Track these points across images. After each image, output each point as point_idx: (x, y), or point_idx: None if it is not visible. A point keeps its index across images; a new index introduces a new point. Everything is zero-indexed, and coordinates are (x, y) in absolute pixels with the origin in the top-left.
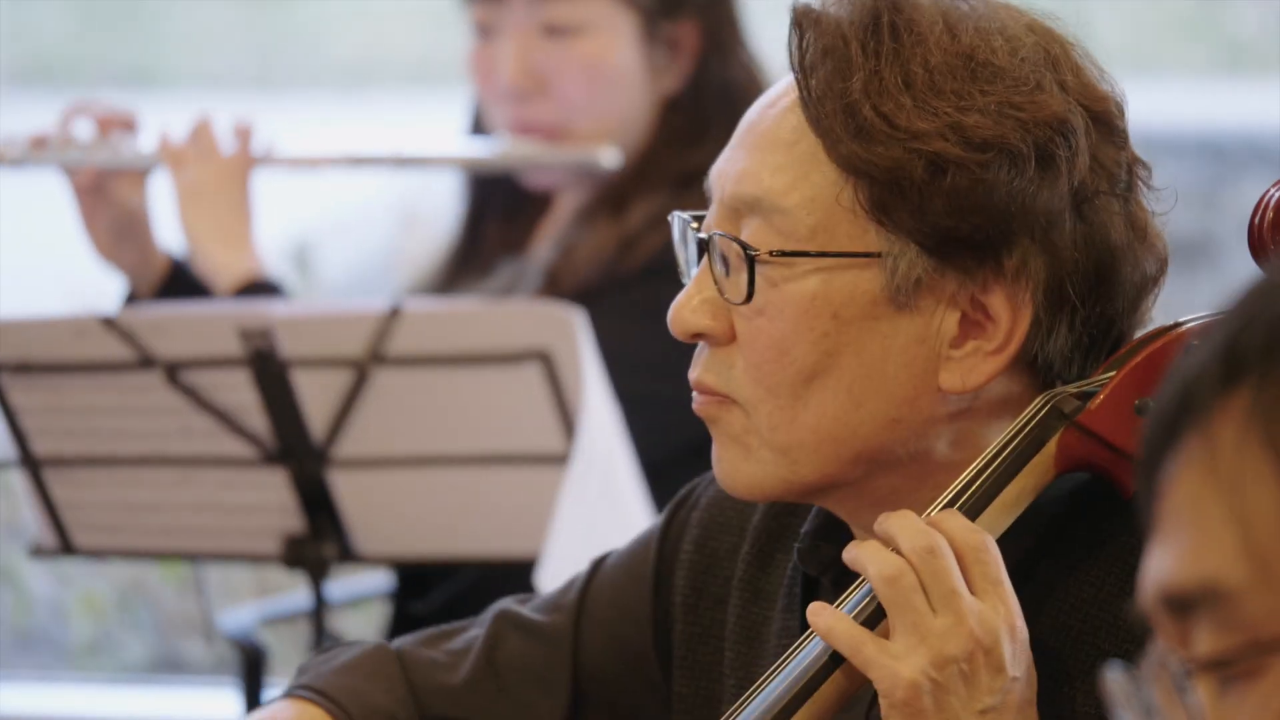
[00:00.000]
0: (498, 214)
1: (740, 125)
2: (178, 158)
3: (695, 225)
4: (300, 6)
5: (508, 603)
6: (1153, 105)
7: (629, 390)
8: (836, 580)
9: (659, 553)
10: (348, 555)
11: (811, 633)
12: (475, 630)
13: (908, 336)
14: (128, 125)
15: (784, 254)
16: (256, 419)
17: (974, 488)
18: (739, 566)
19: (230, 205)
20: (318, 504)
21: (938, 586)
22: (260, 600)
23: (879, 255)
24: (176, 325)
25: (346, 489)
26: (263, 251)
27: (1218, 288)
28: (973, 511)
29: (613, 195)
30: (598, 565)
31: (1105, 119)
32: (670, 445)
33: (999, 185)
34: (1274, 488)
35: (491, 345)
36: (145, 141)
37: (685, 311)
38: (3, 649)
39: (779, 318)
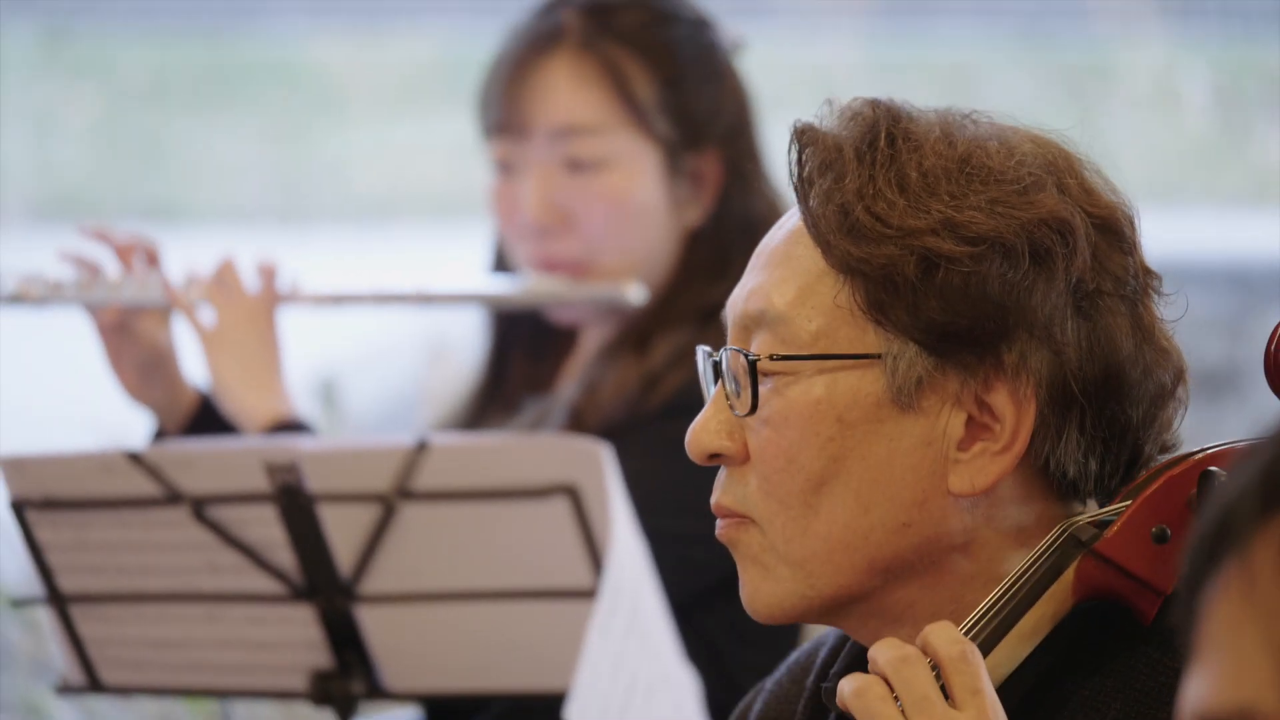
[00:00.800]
0: (522, 350)
1: (755, 251)
2: (203, 299)
3: (713, 354)
4: (323, 142)
5: None
6: (1178, 235)
7: (654, 527)
8: None
9: None
10: (376, 691)
11: None
12: None
13: (913, 439)
14: (150, 256)
15: (783, 358)
16: (283, 554)
17: (991, 616)
18: None
19: (257, 347)
20: (345, 640)
21: (909, 694)
22: None
23: (879, 356)
24: (203, 460)
25: (374, 625)
26: (290, 390)
27: (1244, 417)
28: (990, 640)
29: (636, 331)
30: None
31: (1110, 224)
32: (697, 582)
33: (992, 279)
34: None
35: (518, 480)
36: (169, 279)
37: (700, 433)
38: None
39: (785, 425)
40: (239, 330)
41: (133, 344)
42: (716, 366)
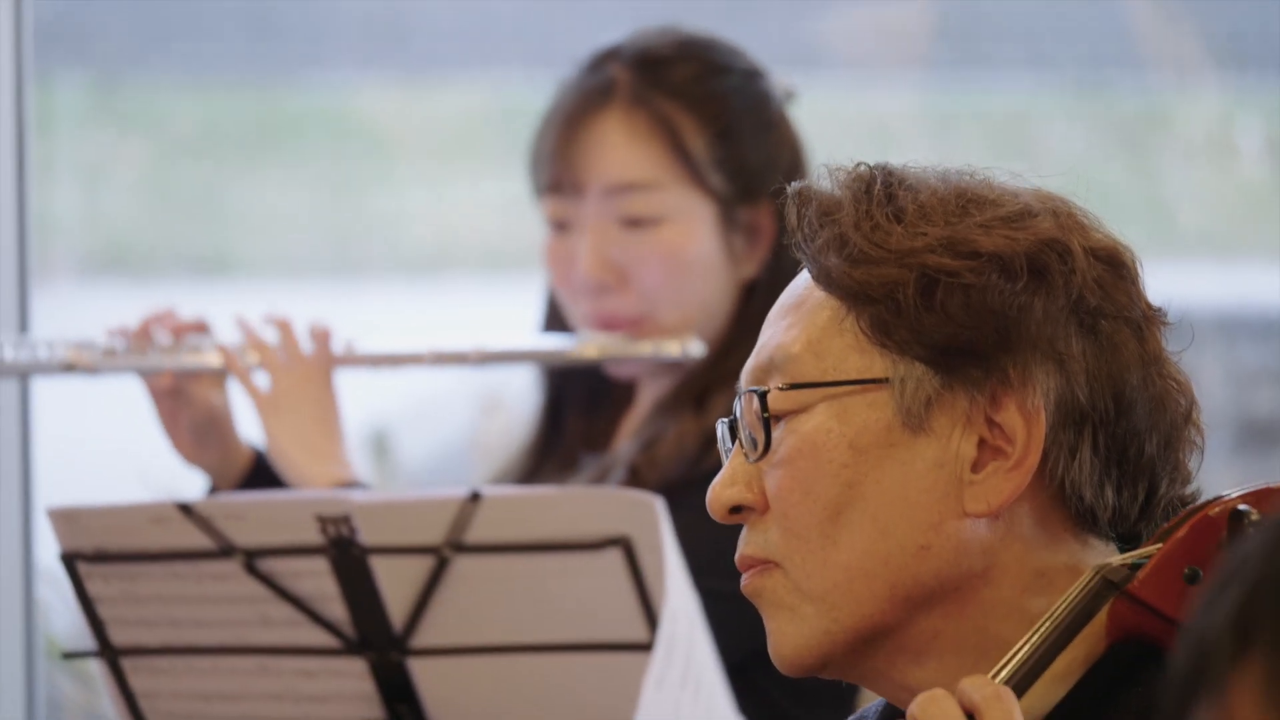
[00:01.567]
0: (578, 406)
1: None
2: (257, 363)
3: (728, 417)
4: (374, 194)
5: None
6: (1233, 287)
7: (709, 587)
8: None
9: None
10: None
11: None
12: None
13: (926, 461)
14: (201, 331)
15: (791, 387)
16: (336, 607)
17: (1024, 659)
18: None
19: (312, 412)
20: (398, 693)
21: None
22: None
23: (886, 380)
24: (254, 512)
25: (427, 678)
26: (348, 453)
27: None
28: (1024, 683)
29: (693, 387)
30: None
31: (1111, 256)
32: (754, 641)
33: (991, 290)
34: None
35: (571, 532)
36: (222, 341)
37: (719, 488)
38: None
39: (799, 459)
40: (294, 395)
41: (187, 407)
42: (733, 426)
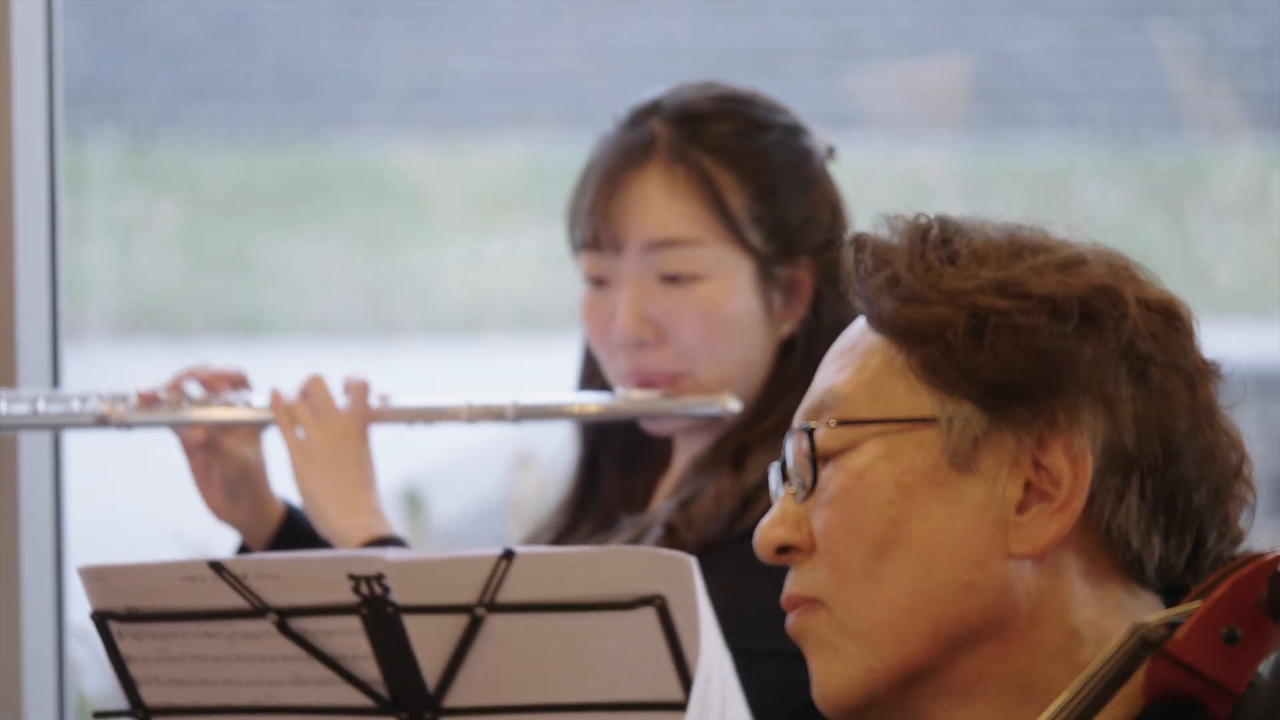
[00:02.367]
0: (614, 464)
1: None
2: (291, 418)
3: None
4: (408, 253)
5: None
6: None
7: (745, 646)
8: None
9: None
10: None
11: None
12: None
13: (972, 500)
14: (238, 384)
15: (840, 424)
16: (368, 666)
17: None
18: None
19: (347, 467)
20: None
21: None
22: None
23: (935, 419)
24: (287, 571)
25: None
26: (383, 509)
27: None
28: None
29: (731, 445)
30: None
31: (1165, 308)
32: (792, 700)
33: (1042, 332)
34: None
35: (605, 591)
36: (257, 398)
37: (767, 528)
38: None
39: (846, 496)
40: (329, 448)
41: (220, 462)
42: (784, 468)
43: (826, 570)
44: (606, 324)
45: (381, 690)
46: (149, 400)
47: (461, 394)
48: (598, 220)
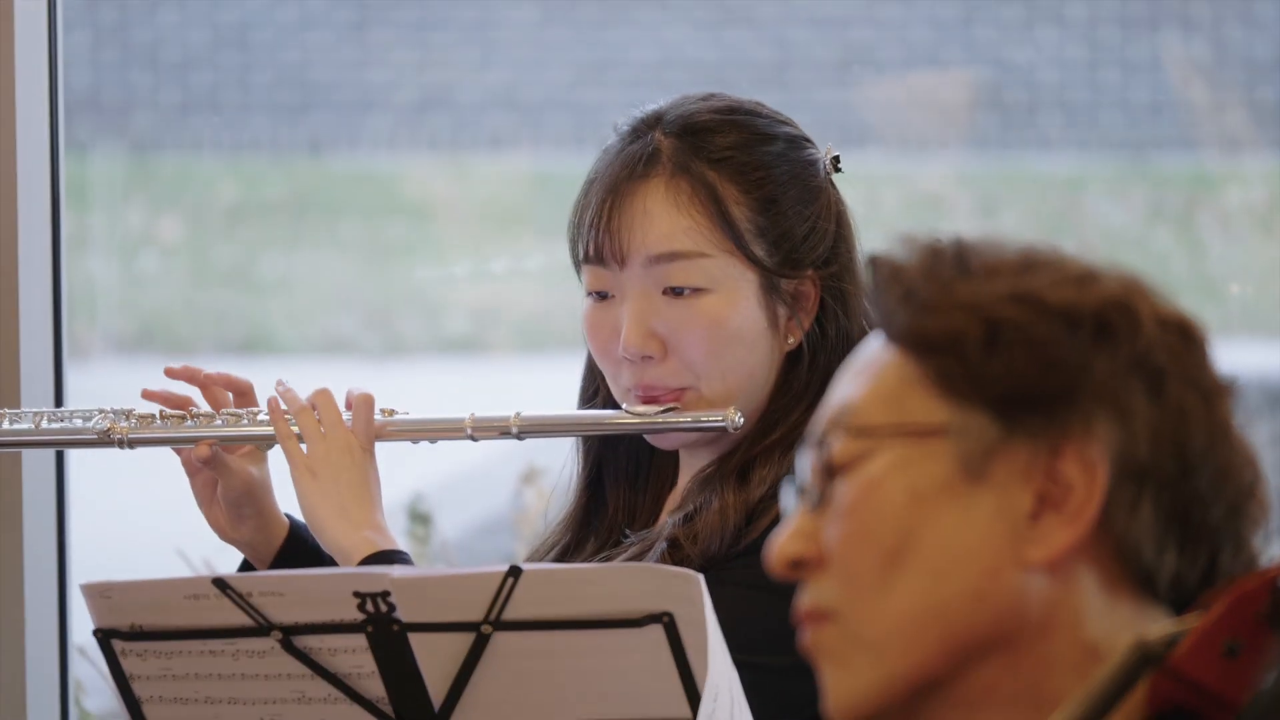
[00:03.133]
0: (619, 480)
1: None
2: (295, 434)
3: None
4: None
5: None
6: None
7: (751, 662)
8: None
9: None
10: None
11: None
12: None
13: (985, 510)
14: (243, 392)
15: (853, 435)
16: (374, 684)
17: None
18: None
19: (350, 479)
20: None
21: None
22: None
23: (947, 428)
24: (292, 588)
25: None
26: (387, 524)
27: None
28: None
29: (736, 460)
30: None
31: (1180, 325)
32: (797, 715)
33: (1056, 343)
34: None
35: (612, 608)
36: (259, 415)
37: (778, 543)
38: None
39: (858, 506)
40: (333, 462)
41: (224, 480)
42: (797, 483)
43: (839, 582)
44: (610, 338)
45: (387, 708)
46: (149, 419)
47: (466, 409)
48: (600, 234)
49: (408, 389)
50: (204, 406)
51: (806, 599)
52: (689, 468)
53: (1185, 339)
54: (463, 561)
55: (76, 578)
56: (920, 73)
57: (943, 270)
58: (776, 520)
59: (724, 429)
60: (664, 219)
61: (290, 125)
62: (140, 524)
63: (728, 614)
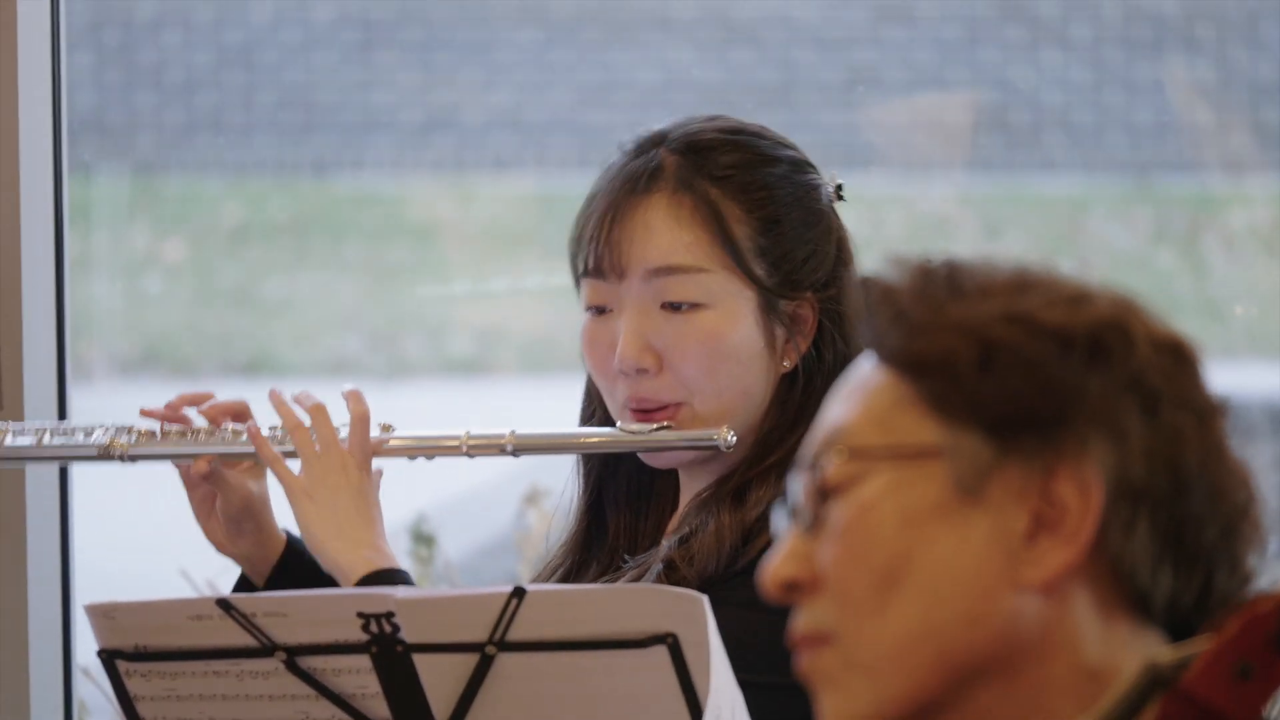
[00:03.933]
0: (619, 503)
1: None
2: (291, 448)
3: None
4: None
5: None
6: None
7: (751, 681)
8: None
9: None
10: None
11: None
12: None
13: (980, 532)
14: (240, 416)
15: (845, 457)
16: (378, 705)
17: None
18: None
19: (349, 499)
20: None
21: None
22: None
23: (940, 449)
24: (296, 609)
25: None
26: (386, 541)
27: None
28: None
29: (732, 481)
30: None
31: (1174, 346)
32: None
33: (1049, 363)
34: None
35: (616, 629)
36: (259, 430)
37: (772, 566)
38: None
39: (852, 529)
40: (330, 482)
41: (223, 495)
42: (789, 506)
43: (833, 604)
44: (607, 352)
45: None
46: (150, 434)
47: (462, 430)
48: (600, 246)
49: (412, 410)
50: (202, 424)
51: (801, 622)
52: (688, 491)
53: (1178, 359)
54: (466, 582)
55: (80, 598)
56: (924, 94)
57: (935, 291)
58: (771, 542)
59: (716, 447)
60: (664, 233)
61: (294, 146)
62: (143, 545)
63: (726, 634)
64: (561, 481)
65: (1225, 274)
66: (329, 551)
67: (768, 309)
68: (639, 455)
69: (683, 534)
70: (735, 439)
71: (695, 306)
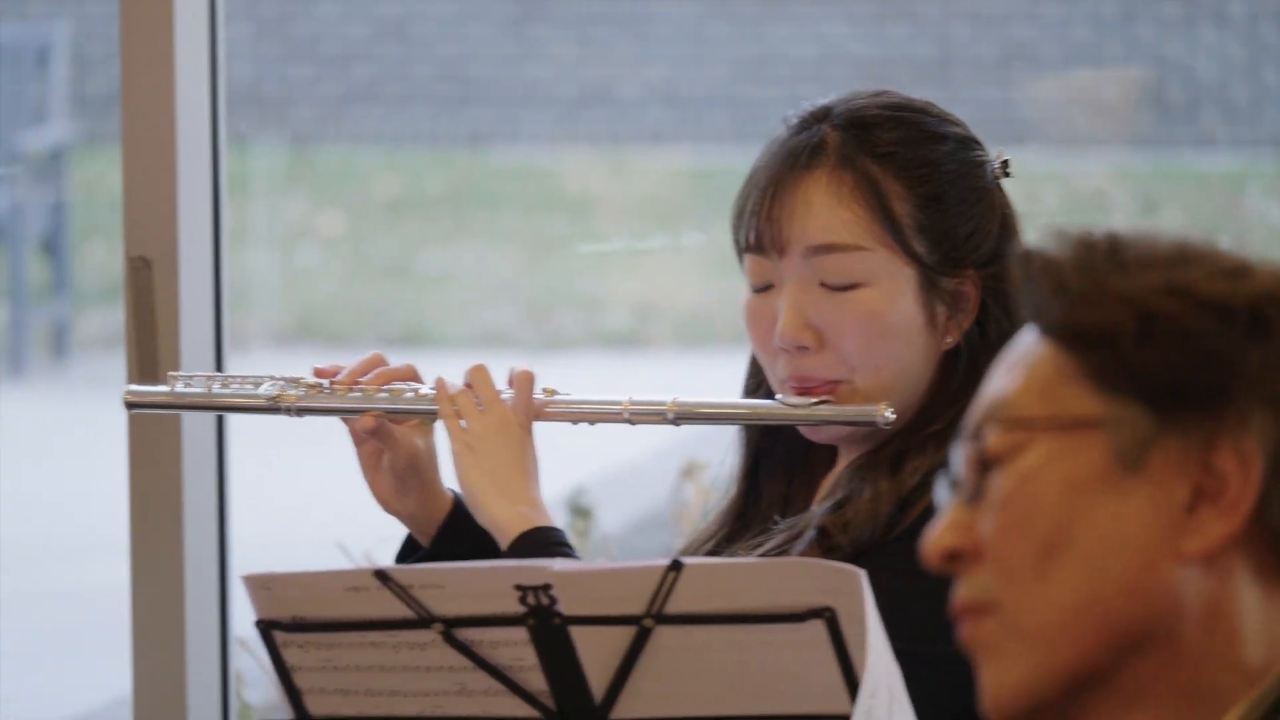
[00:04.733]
0: (776, 470)
1: None
2: (455, 408)
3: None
4: (573, 264)
5: None
6: None
7: (908, 651)
8: None
9: None
10: None
11: None
12: None
13: (1140, 502)
14: (406, 377)
15: (1008, 427)
16: (535, 677)
17: None
18: None
19: (508, 456)
20: None
21: None
22: None
23: (1102, 420)
24: (453, 581)
25: None
26: (543, 501)
27: None
28: None
29: (890, 450)
30: None
31: None
32: (955, 704)
33: (1209, 335)
34: None
35: (773, 603)
36: (424, 391)
37: (934, 536)
38: None
39: (1014, 499)
40: (491, 439)
41: (390, 451)
42: (951, 477)
43: (995, 574)
44: (769, 328)
45: (548, 701)
46: (317, 388)
47: (625, 396)
48: (761, 222)
49: (566, 383)
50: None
51: (962, 592)
52: (844, 460)
53: None
54: (622, 556)
55: (237, 568)
56: (1081, 71)
57: (1096, 263)
58: (928, 510)
59: (875, 424)
60: (824, 211)
61: (450, 119)
62: (300, 517)
63: (882, 603)
64: (718, 456)
65: None
66: (486, 505)
67: (928, 286)
68: (798, 429)
69: (837, 499)
70: (894, 416)
71: (855, 284)
